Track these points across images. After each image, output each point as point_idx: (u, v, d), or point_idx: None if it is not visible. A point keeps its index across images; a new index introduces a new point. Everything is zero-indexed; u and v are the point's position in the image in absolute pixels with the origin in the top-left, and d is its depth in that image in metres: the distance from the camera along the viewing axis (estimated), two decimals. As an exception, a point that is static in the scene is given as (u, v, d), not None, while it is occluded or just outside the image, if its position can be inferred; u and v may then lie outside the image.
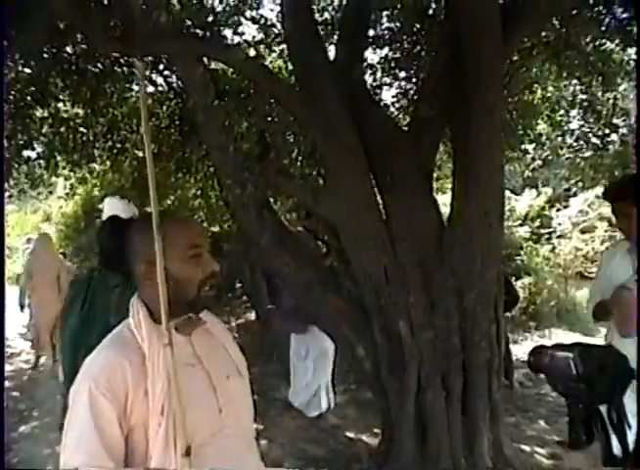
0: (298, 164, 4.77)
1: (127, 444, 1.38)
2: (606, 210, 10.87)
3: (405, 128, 4.31)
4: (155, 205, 1.33)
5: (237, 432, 1.54)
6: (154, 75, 7.31)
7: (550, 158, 11.50)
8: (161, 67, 7.01)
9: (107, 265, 2.92)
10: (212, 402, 1.50)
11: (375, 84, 5.32)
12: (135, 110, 7.51)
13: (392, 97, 6.18)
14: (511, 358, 6.33)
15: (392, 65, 5.41)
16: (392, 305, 3.66)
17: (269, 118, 4.33)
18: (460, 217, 3.68)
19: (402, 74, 5.95)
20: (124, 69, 6.68)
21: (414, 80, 4.97)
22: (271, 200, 4.35)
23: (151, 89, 7.45)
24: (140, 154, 8.12)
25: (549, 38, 5.80)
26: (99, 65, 6.28)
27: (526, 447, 4.76)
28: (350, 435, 4.93)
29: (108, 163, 8.12)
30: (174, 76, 7.15)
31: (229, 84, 5.51)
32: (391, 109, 6.10)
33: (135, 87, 7.33)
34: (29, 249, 8.74)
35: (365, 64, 4.65)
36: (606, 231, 10.70)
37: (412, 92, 5.57)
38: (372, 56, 5.32)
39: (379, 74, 5.40)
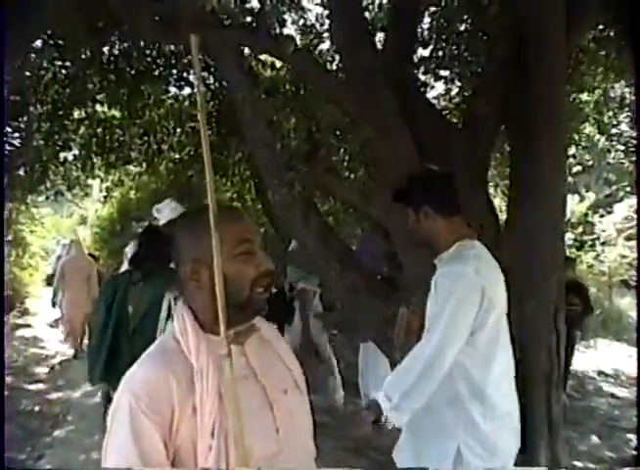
0: (345, 163, 4.59)
1: (173, 467, 1.21)
2: (652, 216, 10.53)
3: (459, 126, 4.13)
4: (212, 199, 1.17)
5: (295, 454, 1.35)
6: (191, 77, 7.22)
7: (590, 162, 11.21)
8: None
9: (131, 263, 3.58)
10: (268, 421, 1.32)
11: (425, 81, 5.16)
12: (172, 111, 7.47)
13: (443, 94, 6.01)
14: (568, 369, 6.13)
15: (440, 62, 5.24)
16: (446, 313, 3.45)
17: (318, 115, 4.16)
18: (519, 220, 3.49)
19: (449, 72, 5.79)
20: (162, 70, 6.63)
21: (467, 77, 4.78)
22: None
23: (187, 91, 7.39)
24: (177, 156, 8.07)
25: (597, 38, 5.59)
26: (136, 66, 6.23)
27: (579, 464, 4.52)
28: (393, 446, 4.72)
29: (144, 165, 8.07)
30: (212, 78, 7.07)
31: (276, 80, 5.38)
32: (443, 104, 5.94)
33: (172, 89, 7.29)
34: (63, 252, 9.28)
35: (415, 60, 4.47)
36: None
37: (465, 89, 5.39)
38: (421, 52, 5.10)
39: (429, 71, 5.24)
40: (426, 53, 5.59)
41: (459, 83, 6.04)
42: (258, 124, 3.39)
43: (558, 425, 3.54)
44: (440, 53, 5.60)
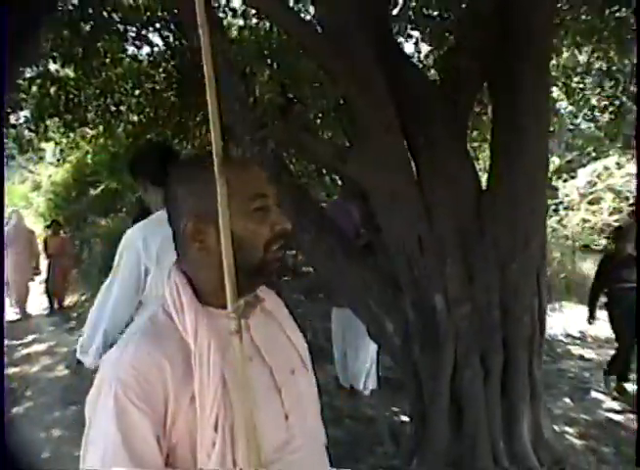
0: (319, 121, 4.36)
1: (168, 466, 1.02)
2: (614, 180, 10.63)
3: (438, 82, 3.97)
4: (217, 137, 0.97)
5: (306, 443, 1.17)
6: (150, 35, 6.90)
7: (555, 127, 11.20)
8: (158, 25, 6.64)
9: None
10: (277, 407, 1.14)
11: (402, 36, 4.97)
12: (130, 71, 7.12)
13: (419, 50, 5.82)
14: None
15: (412, 19, 5.05)
16: (427, 277, 3.33)
17: (293, 69, 3.91)
18: (501, 181, 3.36)
19: (419, 32, 5.60)
20: (119, 26, 6.31)
21: (438, 35, 4.60)
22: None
23: (146, 50, 7.06)
24: (135, 118, 7.74)
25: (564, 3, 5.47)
26: (92, 21, 5.88)
27: (555, 427, 4.50)
28: (371, 414, 4.62)
29: (101, 127, 7.71)
30: (171, 36, 6.76)
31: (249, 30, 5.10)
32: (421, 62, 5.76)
33: (130, 48, 6.94)
34: (6, 223, 9.48)
35: (391, 14, 4.27)
36: (614, 200, 10.47)
37: (439, 49, 5.20)
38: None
39: (400, 31, 5.04)
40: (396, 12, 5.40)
41: (429, 43, 5.89)
42: (229, 76, 3.15)
43: (540, 390, 3.49)
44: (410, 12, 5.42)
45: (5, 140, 7.26)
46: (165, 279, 1.15)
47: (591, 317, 5.81)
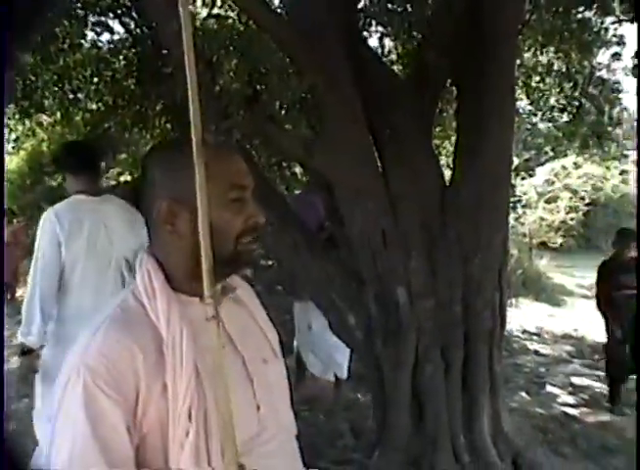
0: (284, 112, 4.30)
1: (138, 458, 0.99)
2: (571, 180, 10.86)
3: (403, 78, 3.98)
4: (196, 117, 0.94)
5: (277, 434, 1.15)
6: (111, 21, 6.74)
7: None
8: (120, 12, 6.50)
9: None
10: (249, 397, 1.11)
11: (369, 31, 4.97)
12: (89, 58, 6.95)
13: (383, 45, 5.80)
14: None
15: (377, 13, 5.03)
16: (390, 270, 3.33)
17: (260, 59, 3.83)
18: (465, 177, 3.39)
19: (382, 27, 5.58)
20: (79, 11, 6.15)
21: (412, 26, 4.58)
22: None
23: (106, 36, 6.90)
24: (94, 106, 7.56)
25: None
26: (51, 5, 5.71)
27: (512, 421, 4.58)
28: (331, 407, 4.62)
29: (58, 114, 7.51)
30: (133, 24, 6.62)
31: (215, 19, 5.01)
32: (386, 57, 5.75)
33: (90, 34, 6.78)
34: None
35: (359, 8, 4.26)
36: (570, 200, 10.69)
37: (409, 40, 5.19)
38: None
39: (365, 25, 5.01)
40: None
41: (393, 39, 5.87)
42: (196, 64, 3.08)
43: (499, 384, 3.53)
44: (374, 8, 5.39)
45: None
46: (137, 265, 1.11)
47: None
